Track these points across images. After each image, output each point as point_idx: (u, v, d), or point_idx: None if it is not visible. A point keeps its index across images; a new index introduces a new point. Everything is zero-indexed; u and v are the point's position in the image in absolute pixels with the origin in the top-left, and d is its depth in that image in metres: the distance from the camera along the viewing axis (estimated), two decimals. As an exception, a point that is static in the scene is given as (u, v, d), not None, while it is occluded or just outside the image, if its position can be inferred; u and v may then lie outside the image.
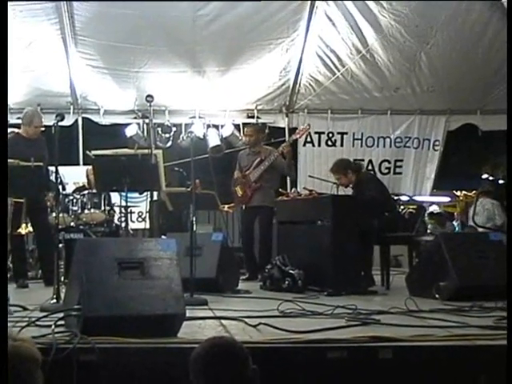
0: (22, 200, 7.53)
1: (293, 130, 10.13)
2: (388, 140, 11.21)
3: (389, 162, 11.31)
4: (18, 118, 8.69)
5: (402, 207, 10.11)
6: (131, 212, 10.00)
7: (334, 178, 8.45)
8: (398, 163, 11.28)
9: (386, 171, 11.22)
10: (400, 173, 11.24)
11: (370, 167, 11.09)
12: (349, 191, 8.78)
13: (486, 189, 12.87)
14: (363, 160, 11.22)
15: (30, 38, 9.30)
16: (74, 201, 8.45)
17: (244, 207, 8.91)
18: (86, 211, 8.47)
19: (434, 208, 14.20)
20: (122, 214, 8.29)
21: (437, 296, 6.22)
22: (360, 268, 7.29)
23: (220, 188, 9.12)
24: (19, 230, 7.84)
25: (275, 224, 8.67)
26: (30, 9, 8.87)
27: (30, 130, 7.91)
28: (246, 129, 9.50)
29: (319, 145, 11.25)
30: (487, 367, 4.06)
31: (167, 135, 10.67)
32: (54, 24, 9.20)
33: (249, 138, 9.03)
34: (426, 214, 12.42)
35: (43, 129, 7.91)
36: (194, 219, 6.47)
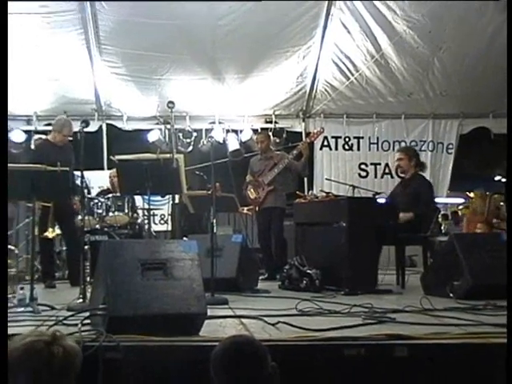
0: (49, 204, 7.60)
1: (309, 135, 10.16)
2: (403, 144, 11.15)
3: (405, 165, 11.27)
4: (47, 125, 8.78)
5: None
6: (154, 214, 10.06)
7: (396, 159, 8.43)
8: (415, 167, 11.23)
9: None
10: (417, 176, 11.19)
11: (386, 171, 11.07)
12: (365, 193, 8.80)
13: (498, 191, 12.83)
14: (380, 164, 11.21)
15: (56, 47, 9.35)
16: (99, 204, 8.47)
17: (258, 209, 8.91)
18: (111, 214, 8.50)
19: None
20: (145, 217, 8.35)
21: (451, 295, 6.20)
22: (375, 268, 7.27)
23: (239, 191, 9.13)
24: (46, 234, 7.89)
25: (293, 225, 8.68)
26: (56, 20, 8.93)
27: (58, 136, 7.98)
28: (257, 135, 9.54)
29: (336, 148, 11.25)
30: (501, 365, 4.04)
31: (188, 140, 10.72)
32: (79, 34, 9.26)
33: (260, 144, 9.08)
34: (439, 215, 12.38)
35: (71, 138, 7.98)
36: (215, 221, 6.50)
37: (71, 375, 2.40)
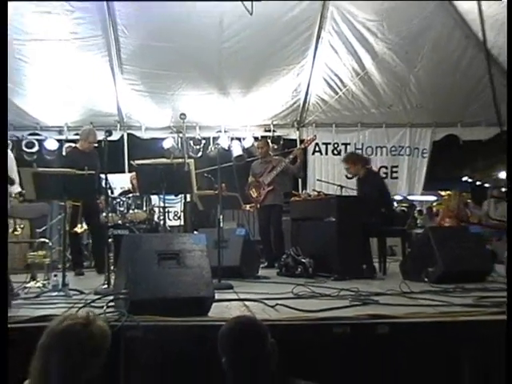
0: (78, 203, 7.60)
1: (303, 141, 10.19)
2: (384, 149, 11.16)
3: (386, 168, 11.23)
4: (76, 135, 8.80)
5: (395, 205, 10.13)
6: (168, 211, 10.04)
7: (344, 167, 8.49)
8: (394, 169, 11.22)
9: (384, 175, 11.11)
10: (396, 177, 11.18)
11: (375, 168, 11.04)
12: (352, 192, 8.79)
13: (466, 190, 12.91)
14: (369, 159, 11.18)
15: (85, 68, 9.37)
16: (121, 202, 8.48)
17: (259, 206, 8.90)
18: (131, 211, 8.50)
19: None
20: (161, 213, 8.32)
21: (426, 279, 6.20)
22: (361, 257, 7.24)
23: (242, 191, 9.13)
24: (75, 229, 7.89)
25: (289, 220, 8.67)
26: (85, 44, 8.97)
27: (85, 144, 7.99)
28: (257, 142, 9.51)
29: (326, 153, 11.23)
30: (468, 339, 4.06)
31: (198, 147, 10.71)
32: (104, 56, 9.28)
33: (261, 150, 9.05)
34: (416, 211, 12.39)
35: (96, 144, 7.99)
36: (221, 217, 6.48)
37: (102, 353, 2.38)
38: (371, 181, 8.10)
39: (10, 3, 7.65)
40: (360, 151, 11.15)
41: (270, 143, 9.85)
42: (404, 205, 10.84)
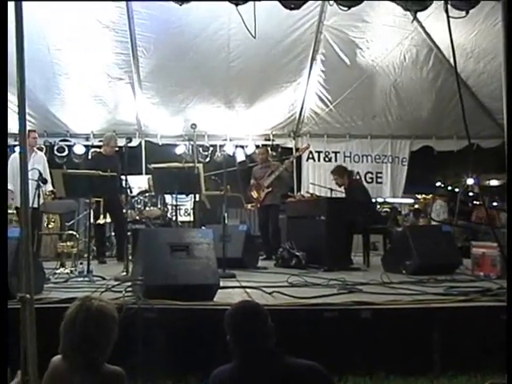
0: (100, 199, 7.61)
1: (298, 149, 10.21)
2: (370, 157, 11.13)
3: (371, 174, 11.18)
4: (100, 141, 8.81)
5: (379, 207, 10.15)
6: (180, 209, 10.01)
7: (332, 178, 8.46)
8: (379, 175, 11.19)
9: (370, 180, 11.09)
10: (381, 182, 11.15)
11: (358, 177, 10.99)
12: (340, 194, 8.79)
13: (439, 193, 12.94)
14: (352, 171, 11.18)
15: (109, 83, 9.37)
16: (138, 201, 8.49)
17: (259, 205, 8.89)
18: (147, 208, 8.49)
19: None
20: (173, 211, 8.32)
21: (403, 271, 6.22)
22: (348, 251, 7.26)
23: (245, 192, 9.13)
24: (99, 221, 7.89)
25: (285, 218, 8.67)
26: (109, 63, 8.97)
27: (107, 148, 8.01)
28: (258, 150, 9.50)
29: (319, 160, 11.18)
30: (439, 322, 4.08)
31: (206, 153, 10.69)
32: (125, 73, 9.27)
33: (261, 156, 9.05)
34: (396, 212, 12.40)
35: (117, 149, 7.99)
36: (226, 214, 6.49)
37: (105, 331, 2.30)
38: (355, 189, 8.14)
39: (47, 15, 7.70)
40: (348, 158, 11.15)
41: (270, 151, 9.85)
42: (387, 207, 10.88)
